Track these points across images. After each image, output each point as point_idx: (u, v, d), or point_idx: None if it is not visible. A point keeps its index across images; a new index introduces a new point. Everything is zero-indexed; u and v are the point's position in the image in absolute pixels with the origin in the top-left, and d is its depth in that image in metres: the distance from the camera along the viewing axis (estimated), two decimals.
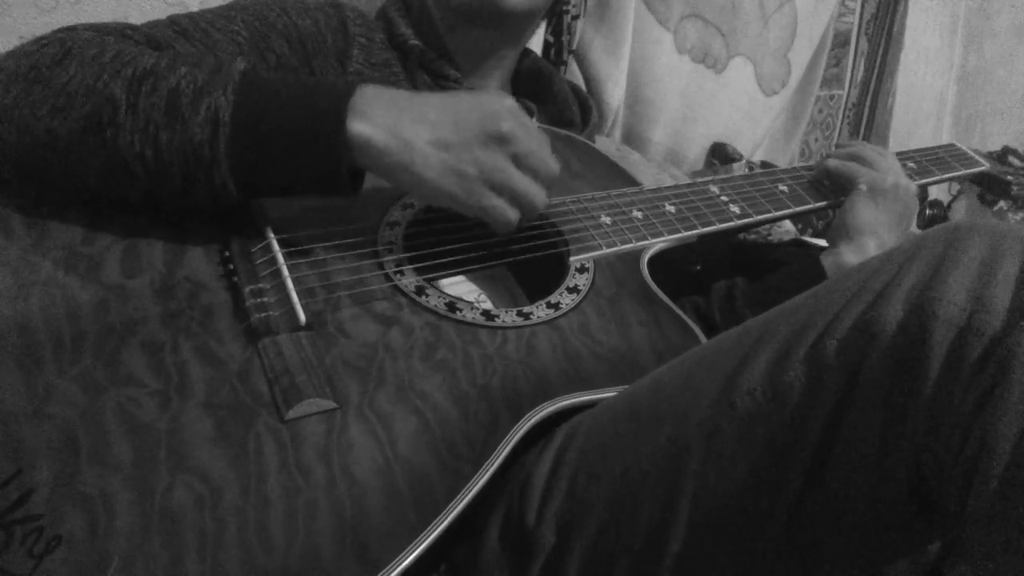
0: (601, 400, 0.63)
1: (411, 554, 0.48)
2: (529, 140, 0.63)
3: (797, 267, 0.86)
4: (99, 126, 0.57)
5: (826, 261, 0.85)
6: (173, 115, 0.57)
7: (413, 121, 0.60)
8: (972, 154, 1.15)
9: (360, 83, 0.60)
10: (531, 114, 1.03)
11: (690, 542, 0.53)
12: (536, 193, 0.64)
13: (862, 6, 2.23)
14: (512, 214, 0.63)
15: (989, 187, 1.20)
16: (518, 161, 0.63)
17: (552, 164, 0.65)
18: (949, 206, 1.26)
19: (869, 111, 2.27)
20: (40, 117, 0.57)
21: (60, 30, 0.64)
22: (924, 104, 2.41)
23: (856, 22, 2.23)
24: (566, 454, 0.59)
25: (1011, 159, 1.22)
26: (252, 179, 0.59)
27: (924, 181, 1.04)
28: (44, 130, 0.57)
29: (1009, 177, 1.18)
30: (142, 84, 0.57)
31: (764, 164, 1.72)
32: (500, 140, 0.61)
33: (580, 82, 1.53)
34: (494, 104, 0.62)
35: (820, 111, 2.21)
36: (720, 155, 1.71)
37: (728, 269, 1.08)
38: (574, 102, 1.03)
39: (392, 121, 0.59)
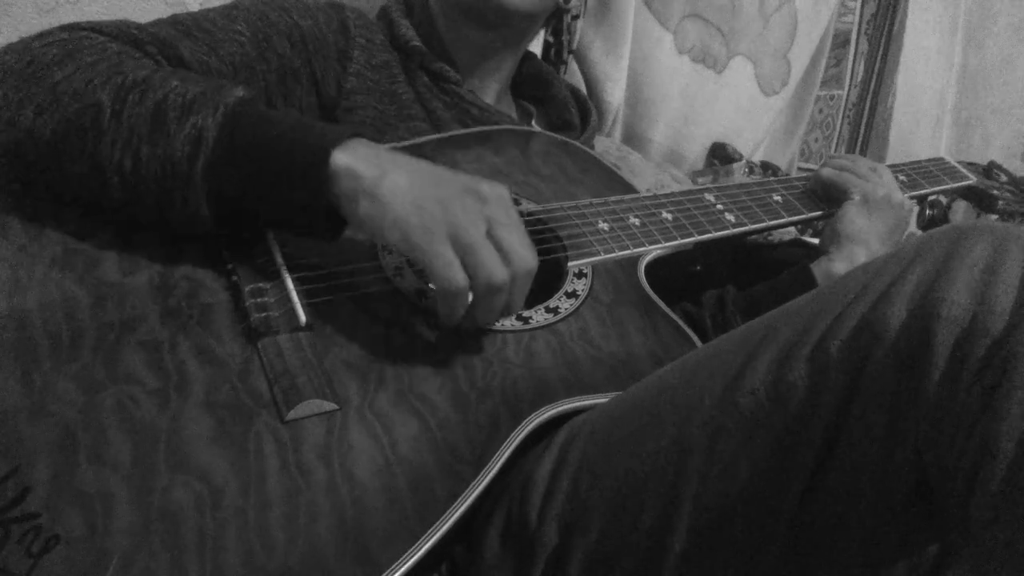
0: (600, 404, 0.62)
1: (412, 557, 0.48)
2: (510, 213, 0.58)
3: (788, 275, 0.87)
4: (81, 130, 0.56)
5: (816, 270, 0.86)
6: (157, 128, 0.56)
7: (397, 165, 0.58)
8: (960, 168, 1.17)
9: (357, 131, 0.59)
10: (530, 117, 1.03)
11: (692, 542, 0.53)
12: (497, 271, 0.55)
13: (862, 6, 2.23)
14: (461, 279, 0.55)
15: (977, 201, 1.22)
16: (490, 229, 0.56)
17: (528, 253, 0.57)
18: (949, 206, 1.26)
19: (869, 111, 2.27)
20: (25, 115, 0.57)
21: (65, 28, 0.64)
22: (924, 104, 2.41)
23: (856, 22, 2.23)
24: (568, 454, 0.59)
25: (997, 173, 1.23)
26: (228, 204, 0.58)
27: (914, 194, 1.07)
28: (27, 128, 0.57)
29: (995, 192, 1.19)
30: (130, 93, 0.57)
31: (764, 164, 1.71)
32: (477, 196, 0.57)
33: (580, 82, 1.53)
34: (481, 178, 0.60)
35: (820, 111, 2.22)
36: (720, 155, 1.71)
37: (728, 269, 1.09)
38: (573, 105, 1.04)
39: (376, 159, 0.58)
